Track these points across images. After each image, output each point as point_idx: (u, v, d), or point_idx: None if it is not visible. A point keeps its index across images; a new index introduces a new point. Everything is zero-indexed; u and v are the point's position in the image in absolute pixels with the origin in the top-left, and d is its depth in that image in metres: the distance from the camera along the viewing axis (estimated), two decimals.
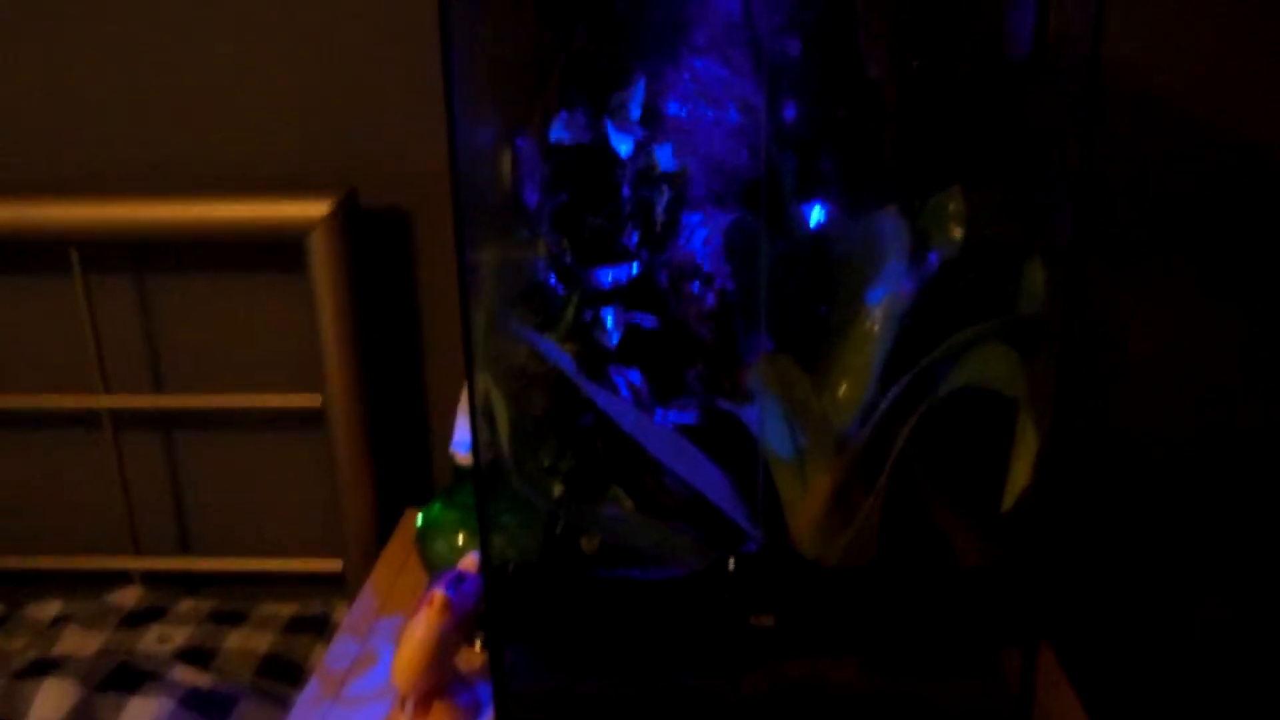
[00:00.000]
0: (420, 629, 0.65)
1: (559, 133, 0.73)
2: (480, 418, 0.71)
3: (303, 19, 0.92)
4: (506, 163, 0.69)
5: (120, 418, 1.04)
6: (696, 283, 0.74)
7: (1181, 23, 0.86)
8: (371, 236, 0.97)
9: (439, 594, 0.65)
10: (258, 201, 0.94)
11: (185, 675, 0.87)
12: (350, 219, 0.94)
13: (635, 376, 0.72)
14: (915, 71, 0.69)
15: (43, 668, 0.86)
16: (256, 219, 0.94)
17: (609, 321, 0.72)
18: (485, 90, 0.72)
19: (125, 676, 0.85)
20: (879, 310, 0.68)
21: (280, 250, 0.95)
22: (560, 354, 0.67)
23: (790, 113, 0.74)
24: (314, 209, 0.92)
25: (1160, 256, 0.91)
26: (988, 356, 0.62)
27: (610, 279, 0.73)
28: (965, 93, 0.68)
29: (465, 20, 0.69)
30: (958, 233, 0.70)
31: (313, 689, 0.75)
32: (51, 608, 1.04)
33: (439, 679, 0.68)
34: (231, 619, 1.01)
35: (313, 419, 1.00)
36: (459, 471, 0.85)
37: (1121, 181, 0.89)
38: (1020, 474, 0.62)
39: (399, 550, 0.95)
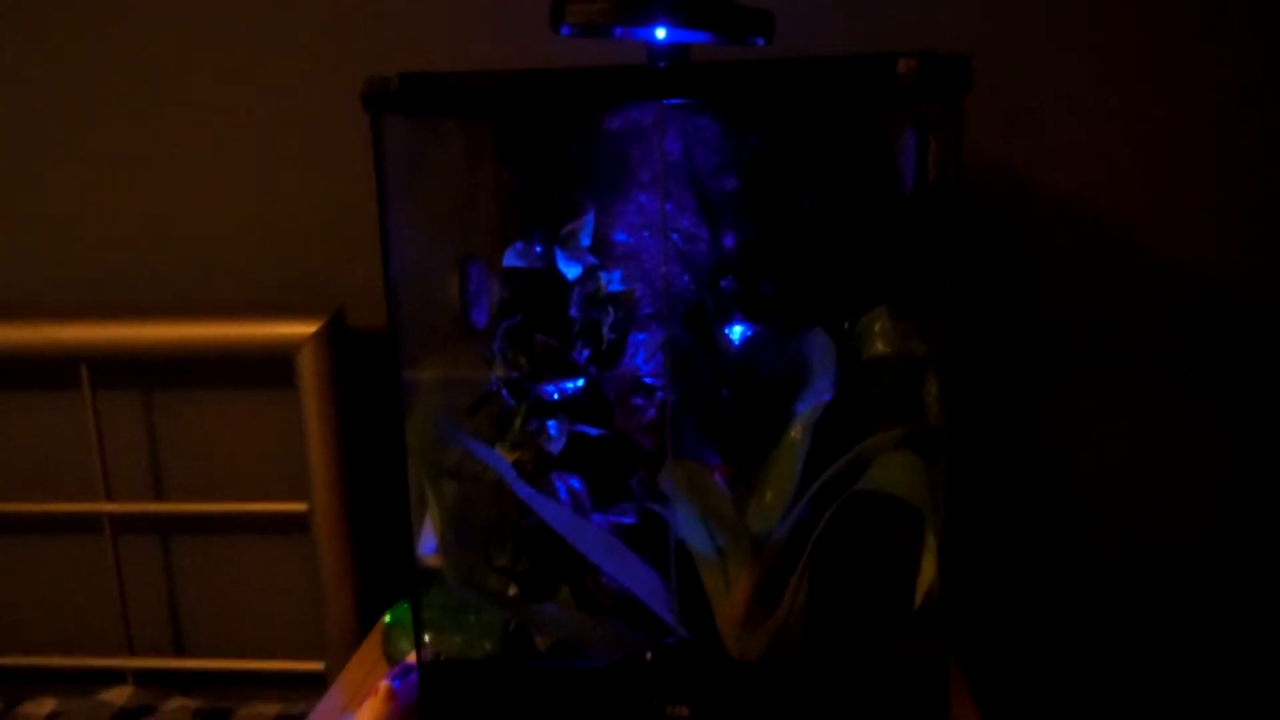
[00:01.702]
0: (365, 717, 0.70)
1: (512, 259, 0.81)
2: (433, 521, 0.76)
3: (294, 149, 1.01)
4: (456, 286, 0.75)
5: (119, 523, 1.10)
6: (639, 396, 0.80)
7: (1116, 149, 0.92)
8: (359, 353, 1.04)
9: (384, 684, 0.70)
10: (251, 322, 1.01)
11: None
12: (337, 337, 1.01)
13: (576, 483, 0.77)
14: (807, 210, 0.76)
15: None
16: (250, 337, 1.01)
17: (554, 430, 0.78)
18: (440, 217, 0.80)
19: None
20: (803, 419, 0.74)
21: (273, 366, 1.02)
22: (500, 461, 0.73)
23: (727, 240, 0.81)
24: (303, 328, 1.00)
25: (1112, 373, 0.95)
26: (892, 464, 0.67)
27: (557, 392, 0.79)
28: (856, 226, 0.75)
29: (422, 153, 0.77)
30: (885, 349, 0.76)
31: None
32: (46, 705, 1.08)
33: None
34: (217, 718, 1.05)
35: (300, 525, 1.06)
36: (425, 574, 0.90)
37: (1069, 304, 0.95)
38: (925, 573, 0.66)
39: (373, 650, 0.99)
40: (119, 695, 1.09)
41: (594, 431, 0.79)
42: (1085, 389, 0.96)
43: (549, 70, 0.65)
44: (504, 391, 0.80)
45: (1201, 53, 0.89)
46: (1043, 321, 0.94)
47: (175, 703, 1.07)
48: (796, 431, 0.74)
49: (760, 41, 0.72)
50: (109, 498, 1.09)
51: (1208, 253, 0.92)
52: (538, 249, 0.81)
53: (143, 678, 1.12)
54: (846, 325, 0.79)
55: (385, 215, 0.66)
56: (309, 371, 1.01)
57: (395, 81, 0.63)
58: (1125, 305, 0.93)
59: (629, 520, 0.75)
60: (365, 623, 1.05)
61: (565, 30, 0.71)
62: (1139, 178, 0.91)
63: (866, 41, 0.89)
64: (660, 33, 0.71)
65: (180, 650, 1.14)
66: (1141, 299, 0.93)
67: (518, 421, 0.79)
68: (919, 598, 0.67)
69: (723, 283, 0.81)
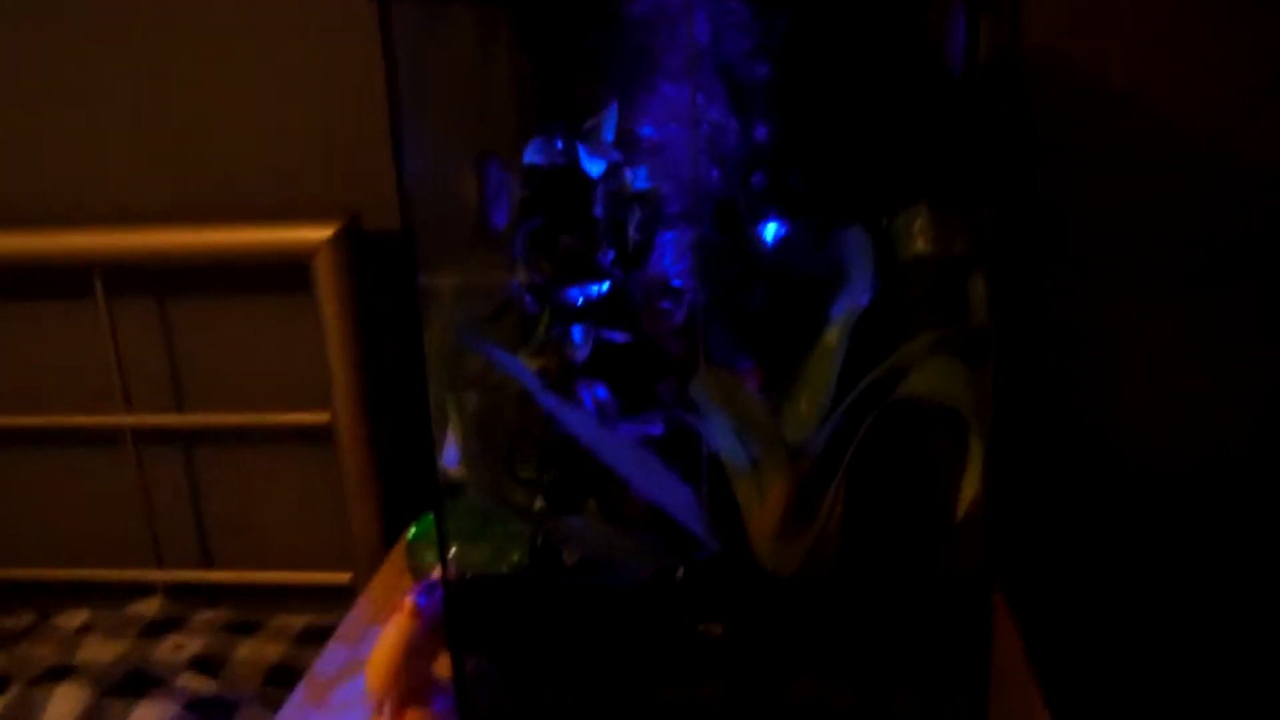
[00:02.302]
0: (391, 634, 0.68)
1: (533, 156, 0.76)
2: (455, 432, 0.74)
3: (306, 51, 0.97)
4: (473, 186, 0.71)
5: (141, 435, 1.08)
6: (666, 299, 0.76)
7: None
8: (377, 258, 1.01)
9: (409, 600, 0.68)
10: (266, 227, 0.98)
11: (192, 682, 0.90)
12: (354, 242, 0.98)
13: (602, 391, 0.74)
14: (843, 99, 0.71)
15: (60, 673, 0.91)
16: (265, 243, 0.98)
17: (579, 337, 0.74)
18: (456, 113, 0.75)
19: (135, 683, 0.89)
20: (839, 322, 0.70)
21: (289, 272, 0.99)
22: (522, 370, 0.70)
23: (759, 132, 0.76)
24: (318, 233, 0.96)
25: (1147, 269, 0.90)
26: (934, 369, 0.63)
27: (582, 296, 0.75)
28: (896, 115, 0.69)
29: (436, 44, 0.72)
30: (925, 246, 0.71)
31: (299, 694, 0.78)
32: (78, 617, 1.08)
33: (413, 684, 0.70)
34: (246, 629, 1.04)
35: (322, 435, 1.04)
36: (449, 487, 0.88)
37: (1104, 197, 0.89)
38: (969, 485, 0.63)
39: (400, 562, 0.97)
40: (149, 607, 1.09)
41: (621, 337, 0.75)
42: (1127, 290, 0.91)
43: None
44: (526, 297, 0.76)
45: None
46: (1085, 218, 0.89)
47: (205, 615, 1.07)
48: (833, 335, 0.70)
49: None
50: (128, 409, 1.07)
51: (1266, 155, 0.86)
52: (559, 144, 0.77)
53: (172, 590, 1.12)
54: (885, 223, 0.74)
55: (396, 111, 0.62)
56: (326, 277, 0.97)
57: None
58: (1175, 204, 0.88)
59: (658, 430, 0.72)
60: (391, 533, 1.04)
61: None
62: (1195, 68, 0.85)
63: None
64: None
65: (208, 562, 1.14)
66: (1193, 198, 0.88)
67: (541, 328, 0.75)
68: (961, 511, 0.63)
69: (754, 177, 0.76)
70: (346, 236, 0.97)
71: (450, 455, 0.87)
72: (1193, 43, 0.84)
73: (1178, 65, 0.85)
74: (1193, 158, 0.87)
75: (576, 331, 0.75)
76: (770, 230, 0.74)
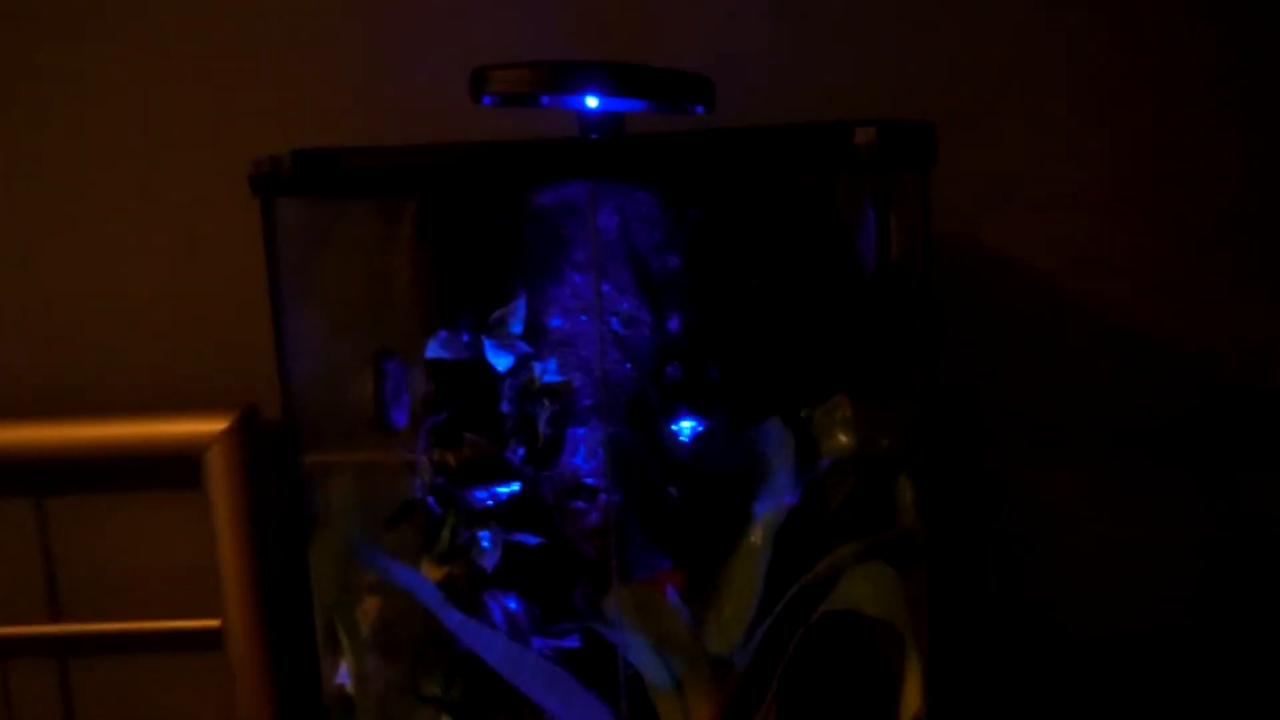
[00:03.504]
0: None
1: (436, 350, 0.73)
2: (348, 648, 0.68)
3: (198, 238, 0.93)
4: (370, 383, 0.67)
5: (9, 646, 0.99)
6: (580, 498, 0.72)
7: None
8: (274, 452, 0.95)
9: None
10: (154, 420, 0.92)
11: None
12: (249, 434, 0.92)
13: (512, 602, 0.69)
14: (753, 289, 0.70)
15: None
16: (153, 437, 0.92)
17: (487, 542, 0.70)
18: (353, 305, 0.72)
19: None
20: (762, 524, 0.66)
21: (179, 468, 0.93)
22: (422, 584, 0.65)
23: (672, 324, 0.74)
24: (211, 425, 0.91)
25: (1064, 441, 0.89)
26: (864, 578, 0.60)
27: (490, 497, 0.71)
28: (810, 307, 0.68)
29: (330, 235, 0.69)
30: (846, 439, 0.69)
31: None
32: None
33: None
34: None
35: (213, 642, 0.96)
36: (346, 702, 0.81)
37: (1037, 384, 0.89)
38: (910, 700, 0.59)
39: None
40: None
41: (532, 540, 0.71)
42: (1055, 476, 0.89)
43: (467, 143, 0.58)
44: (430, 499, 0.72)
45: (1187, 127, 0.85)
46: (1007, 403, 0.88)
47: None
48: (756, 536, 0.66)
49: (700, 110, 0.66)
50: None
51: (1186, 331, 0.87)
52: (464, 338, 0.74)
53: None
54: (804, 414, 0.72)
55: (279, 308, 0.59)
56: (219, 473, 0.91)
57: (288, 160, 0.55)
58: (1097, 385, 0.88)
59: (573, 644, 0.67)
60: None
61: (488, 100, 0.65)
62: (1111, 251, 0.86)
63: (811, 111, 0.83)
64: (592, 101, 0.65)
65: None
66: (1116, 379, 0.88)
67: (445, 532, 0.70)
68: None
69: (668, 370, 0.73)
70: (241, 429, 0.91)
71: (344, 673, 0.81)
72: (1105, 227, 0.86)
73: (1088, 246, 0.86)
74: (1105, 332, 0.87)
75: (484, 536, 0.70)
76: (686, 426, 0.72)
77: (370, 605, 0.72)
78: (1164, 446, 0.89)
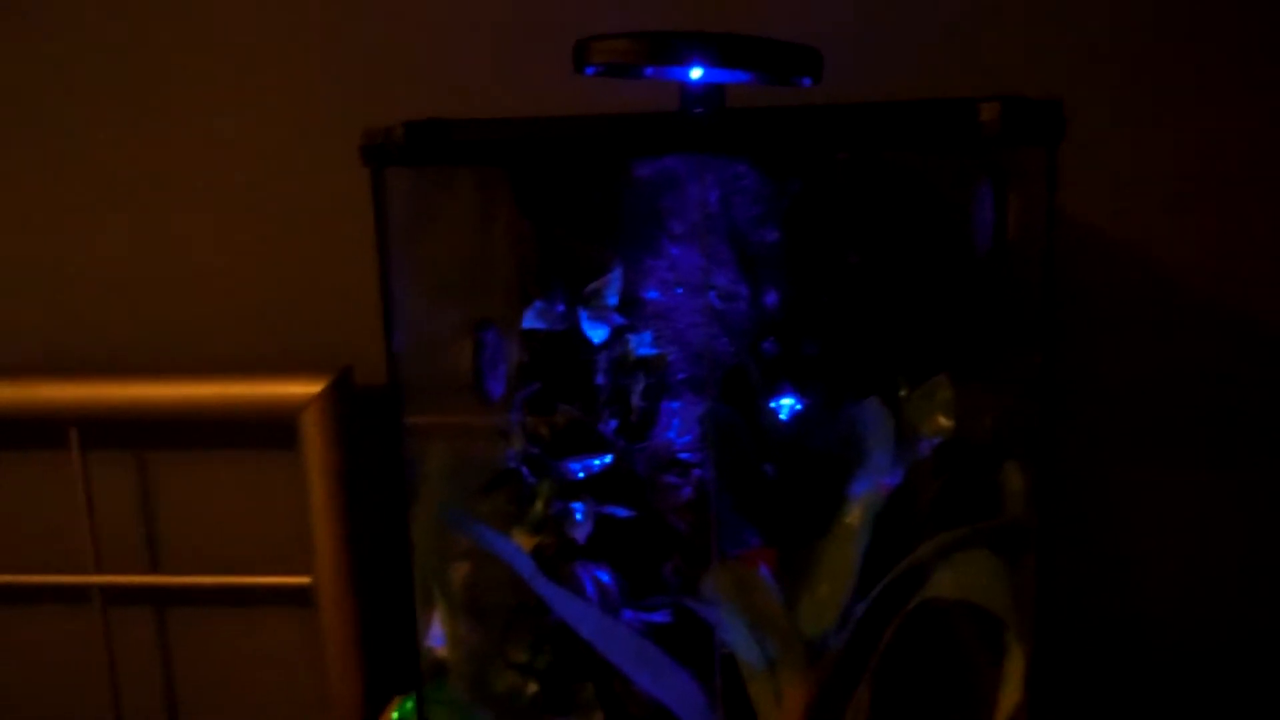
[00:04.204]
0: None
1: (532, 320, 0.73)
2: (443, 611, 0.68)
3: (299, 202, 0.94)
4: (468, 352, 0.67)
5: (110, 594, 1.02)
6: (673, 473, 0.71)
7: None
8: (368, 415, 0.97)
9: None
10: (252, 381, 0.94)
11: None
12: (343, 398, 0.94)
13: (604, 574, 0.69)
14: (854, 265, 0.68)
15: None
16: (250, 397, 0.94)
17: (579, 513, 0.70)
18: (453, 274, 0.72)
19: None
20: (860, 505, 0.65)
21: (275, 429, 0.95)
22: (514, 552, 0.65)
23: (770, 300, 0.72)
24: (306, 388, 0.92)
25: (1172, 441, 0.86)
26: (967, 566, 0.58)
27: (583, 469, 0.71)
28: (917, 285, 0.67)
29: (432, 204, 0.69)
30: (946, 422, 0.68)
31: None
32: None
33: None
34: None
35: (304, 599, 0.98)
36: (437, 665, 0.82)
37: (1131, 377, 0.86)
38: (1009, 694, 0.57)
39: None
40: None
41: (624, 513, 0.70)
42: (1159, 476, 0.86)
43: (571, 117, 0.58)
44: (523, 468, 0.72)
45: None
46: (1114, 396, 0.85)
47: None
48: (854, 517, 0.65)
49: (807, 82, 0.64)
50: (99, 569, 1.01)
51: None
52: (559, 309, 0.73)
53: None
54: (903, 394, 0.70)
55: (387, 276, 0.59)
56: (313, 435, 0.93)
57: (399, 131, 0.55)
58: (1212, 387, 0.84)
59: (663, 619, 0.67)
60: (374, 705, 0.97)
61: (590, 70, 0.64)
62: (1237, 247, 0.82)
63: (920, 87, 0.80)
64: (695, 73, 0.64)
65: None
66: (1233, 382, 0.84)
67: (538, 503, 0.71)
68: None
69: (765, 346, 0.72)
70: (336, 392, 0.93)
71: (435, 635, 0.81)
72: (1230, 222, 0.82)
73: (1210, 239, 0.82)
74: (1221, 331, 0.84)
75: (577, 507, 0.70)
76: (783, 403, 0.71)
77: (461, 570, 0.72)
78: (1260, 458, 0.86)
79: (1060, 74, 0.80)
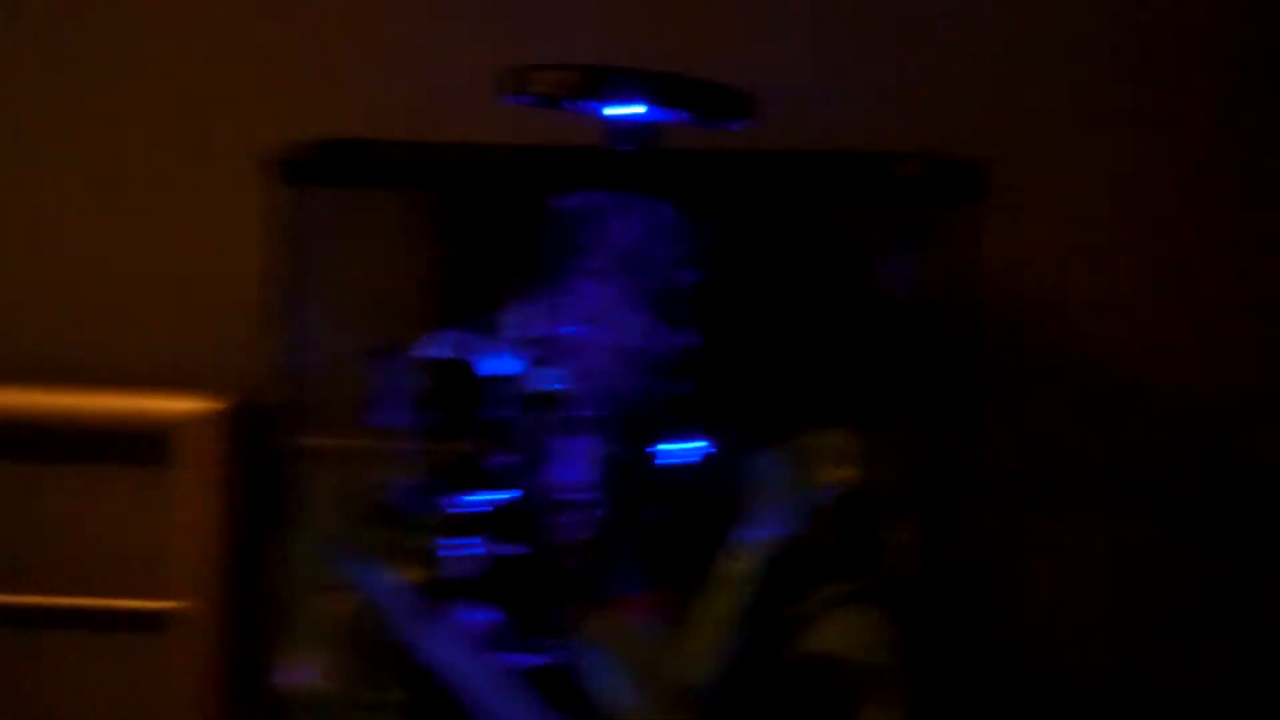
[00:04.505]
0: None
1: (433, 350, 0.71)
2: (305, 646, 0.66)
3: (194, 219, 0.92)
4: (366, 378, 0.66)
5: None
6: (568, 512, 0.70)
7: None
8: (257, 437, 0.93)
9: None
10: (131, 395, 0.90)
11: None
12: (229, 417, 0.90)
13: (486, 614, 0.67)
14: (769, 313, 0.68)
15: None
16: (129, 412, 0.90)
17: (468, 550, 0.68)
18: (356, 299, 0.71)
19: None
20: (751, 553, 0.65)
21: (155, 446, 0.91)
22: (390, 589, 0.63)
23: (679, 340, 0.72)
24: (188, 405, 0.89)
25: (1056, 489, 0.88)
26: (852, 619, 0.58)
27: (475, 504, 0.69)
28: (826, 334, 0.67)
29: (339, 229, 0.68)
30: (846, 473, 0.68)
31: None
32: None
33: None
34: None
35: (166, 624, 0.93)
36: (300, 699, 0.78)
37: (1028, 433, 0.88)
38: None
39: None
40: None
41: (514, 551, 0.69)
42: (1049, 529, 0.88)
43: (499, 145, 0.57)
44: (414, 500, 0.70)
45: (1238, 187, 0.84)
46: (1007, 452, 0.87)
47: None
48: (743, 565, 0.65)
49: (738, 125, 0.65)
50: None
51: (1198, 387, 0.86)
52: (464, 339, 0.72)
53: None
54: (804, 444, 0.70)
55: (284, 296, 0.57)
56: (191, 454, 0.89)
57: (315, 149, 0.53)
58: (1103, 443, 0.87)
59: (544, 661, 0.65)
60: None
61: (526, 100, 0.63)
62: (1136, 307, 0.85)
63: (847, 136, 0.81)
64: (630, 110, 0.64)
65: None
66: (1124, 439, 0.87)
67: (426, 536, 0.68)
68: None
69: (671, 387, 0.72)
70: (219, 412, 0.89)
71: (306, 671, 0.78)
72: (1132, 283, 0.85)
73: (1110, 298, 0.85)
74: (1120, 390, 0.86)
75: (466, 544, 0.68)
76: (684, 446, 0.70)
77: (342, 602, 0.69)
78: (1167, 512, 0.88)
79: (986, 134, 0.82)
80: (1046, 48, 0.82)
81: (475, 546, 0.68)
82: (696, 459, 0.70)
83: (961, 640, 0.87)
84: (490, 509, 0.69)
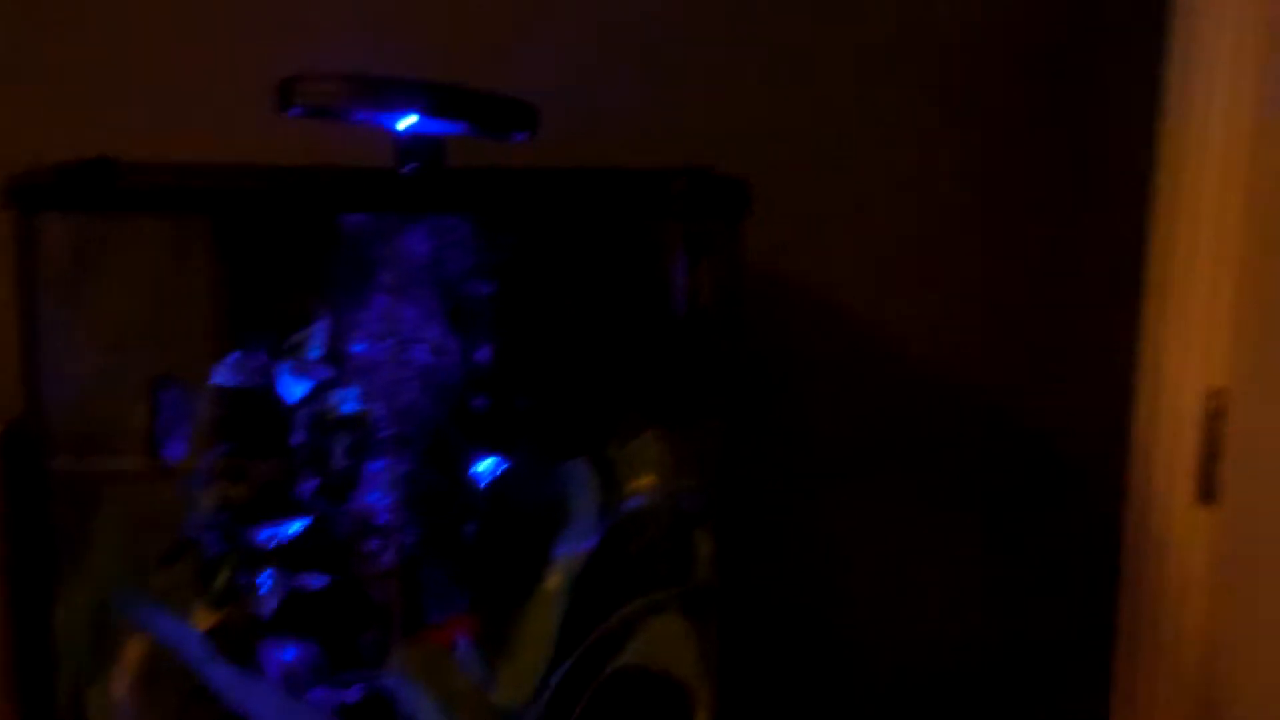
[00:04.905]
0: None
1: (224, 375, 0.68)
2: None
3: None
4: (144, 412, 0.62)
5: None
6: (374, 538, 0.68)
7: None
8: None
9: None
10: None
11: None
12: (10, 453, 0.84)
13: (291, 653, 0.64)
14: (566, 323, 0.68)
15: None
16: None
17: (268, 585, 0.65)
18: (133, 326, 0.67)
19: None
20: (560, 569, 0.64)
21: None
22: (186, 636, 0.60)
23: (480, 355, 0.71)
24: None
25: (874, 490, 0.91)
26: (658, 631, 0.58)
27: (275, 535, 0.66)
28: (621, 343, 0.67)
29: (104, 254, 0.64)
30: (653, 479, 0.68)
31: None
32: None
33: None
34: None
35: None
36: None
37: (833, 420, 0.90)
38: None
39: None
40: None
41: (319, 582, 0.66)
42: (847, 508, 0.90)
43: (270, 168, 0.54)
44: (209, 537, 0.66)
45: (989, 186, 0.87)
46: (804, 439, 0.89)
47: None
48: (554, 581, 0.64)
49: (521, 137, 0.63)
50: None
51: (977, 370, 0.90)
52: (257, 362, 0.69)
53: None
54: (611, 451, 0.70)
55: (33, 329, 0.53)
56: None
57: (50, 173, 0.50)
58: (890, 420, 0.89)
59: (357, 695, 0.63)
60: None
61: (295, 111, 0.60)
62: (904, 291, 0.88)
63: (629, 149, 0.81)
64: (406, 121, 0.62)
65: None
66: (908, 414, 0.90)
67: (223, 574, 0.65)
68: None
69: (473, 402, 0.71)
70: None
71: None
72: (902, 264, 0.87)
73: (888, 286, 0.87)
74: (904, 377, 0.89)
75: (266, 577, 0.65)
76: (488, 462, 0.69)
77: (132, 654, 0.66)
78: (956, 485, 0.92)
79: (759, 148, 0.83)
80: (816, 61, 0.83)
81: (277, 579, 0.66)
82: (501, 475, 0.69)
83: (775, 640, 0.89)
84: (291, 539, 0.67)
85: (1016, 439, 0.92)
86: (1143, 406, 0.87)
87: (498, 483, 0.69)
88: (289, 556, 0.66)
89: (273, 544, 0.66)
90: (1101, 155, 0.87)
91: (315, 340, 0.70)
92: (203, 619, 0.63)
